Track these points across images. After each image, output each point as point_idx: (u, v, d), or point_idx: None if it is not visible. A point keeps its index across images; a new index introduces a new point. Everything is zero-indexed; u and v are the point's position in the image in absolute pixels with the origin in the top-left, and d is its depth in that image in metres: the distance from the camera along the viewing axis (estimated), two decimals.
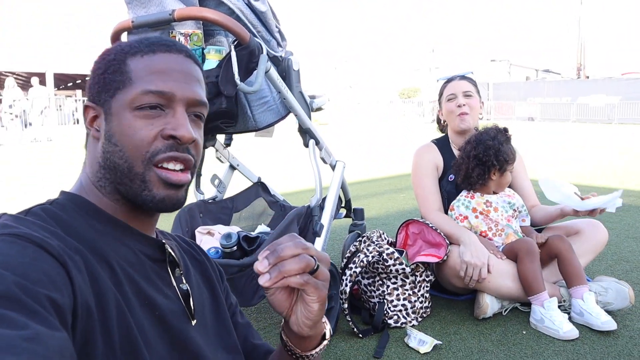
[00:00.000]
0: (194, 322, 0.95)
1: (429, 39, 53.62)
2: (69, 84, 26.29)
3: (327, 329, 0.98)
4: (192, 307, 0.96)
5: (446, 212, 2.98)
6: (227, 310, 1.10)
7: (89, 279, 0.76)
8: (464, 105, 3.02)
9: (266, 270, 0.77)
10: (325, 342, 0.98)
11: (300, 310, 0.86)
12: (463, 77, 3.14)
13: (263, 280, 0.77)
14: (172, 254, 0.97)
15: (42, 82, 19.68)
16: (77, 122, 20.19)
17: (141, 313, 0.84)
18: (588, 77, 37.35)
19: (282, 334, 0.96)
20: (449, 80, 3.18)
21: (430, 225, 2.81)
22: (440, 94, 3.20)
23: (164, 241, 0.97)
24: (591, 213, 2.67)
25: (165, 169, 0.90)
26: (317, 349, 0.97)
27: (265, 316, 2.79)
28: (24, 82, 23.18)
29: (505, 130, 2.85)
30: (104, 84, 0.92)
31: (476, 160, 2.79)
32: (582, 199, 2.68)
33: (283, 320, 0.93)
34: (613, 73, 37.85)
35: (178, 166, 0.92)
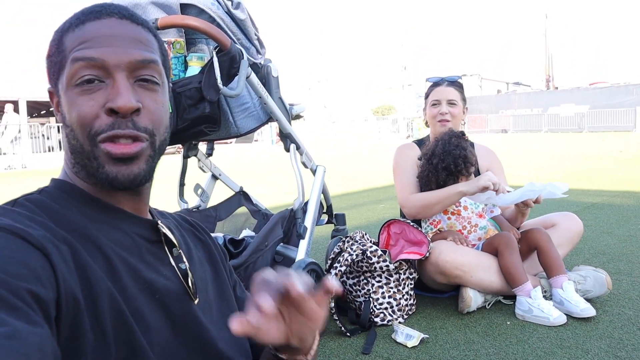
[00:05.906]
0: (196, 301, 0.93)
1: (401, 57, 54.13)
2: (42, 112, 26.09)
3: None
4: (192, 286, 0.93)
5: None
6: (230, 288, 1.08)
7: (77, 270, 0.74)
8: (446, 113, 3.08)
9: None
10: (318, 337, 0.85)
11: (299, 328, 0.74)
12: (451, 83, 3.16)
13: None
14: (167, 233, 0.93)
15: (16, 109, 19.48)
16: (51, 150, 20.01)
17: (141, 298, 0.82)
18: (557, 88, 38.24)
19: (275, 356, 0.82)
20: (436, 84, 3.19)
21: (412, 224, 2.86)
22: (427, 96, 3.23)
23: (157, 221, 0.94)
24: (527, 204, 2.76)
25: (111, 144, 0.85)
26: (315, 346, 0.83)
27: None
28: None
29: (463, 134, 2.89)
30: (50, 67, 0.89)
31: (446, 172, 2.81)
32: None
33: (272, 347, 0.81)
34: (581, 83, 38.73)
35: (128, 141, 0.86)
